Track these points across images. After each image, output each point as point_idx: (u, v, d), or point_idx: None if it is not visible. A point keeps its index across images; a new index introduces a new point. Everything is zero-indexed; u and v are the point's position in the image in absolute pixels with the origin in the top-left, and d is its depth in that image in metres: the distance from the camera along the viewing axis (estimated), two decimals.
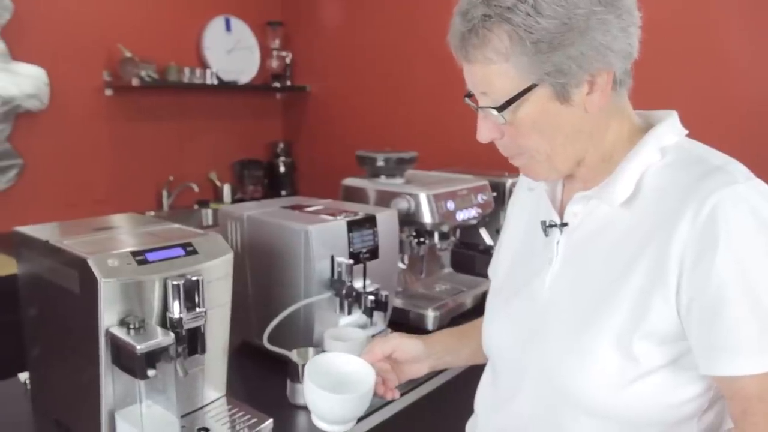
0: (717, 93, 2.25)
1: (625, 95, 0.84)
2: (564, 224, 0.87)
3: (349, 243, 1.38)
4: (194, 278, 1.02)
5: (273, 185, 3.89)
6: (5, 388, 1.30)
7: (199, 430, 1.08)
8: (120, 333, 0.94)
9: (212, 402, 1.17)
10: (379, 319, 1.46)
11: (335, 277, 1.34)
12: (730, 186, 0.71)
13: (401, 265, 1.82)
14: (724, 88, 2.24)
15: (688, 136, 0.84)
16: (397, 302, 1.78)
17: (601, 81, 0.76)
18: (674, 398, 0.77)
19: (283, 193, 3.86)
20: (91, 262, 0.96)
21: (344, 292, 1.31)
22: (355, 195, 1.81)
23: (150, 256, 1.02)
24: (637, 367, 0.76)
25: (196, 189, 3.32)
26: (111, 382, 0.98)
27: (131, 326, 0.95)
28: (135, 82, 2.93)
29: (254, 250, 1.43)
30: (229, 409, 1.16)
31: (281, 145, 3.91)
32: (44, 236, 1.09)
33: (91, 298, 0.96)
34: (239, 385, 1.31)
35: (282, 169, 3.91)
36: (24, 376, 1.30)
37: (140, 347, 0.91)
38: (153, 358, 0.91)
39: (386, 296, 1.38)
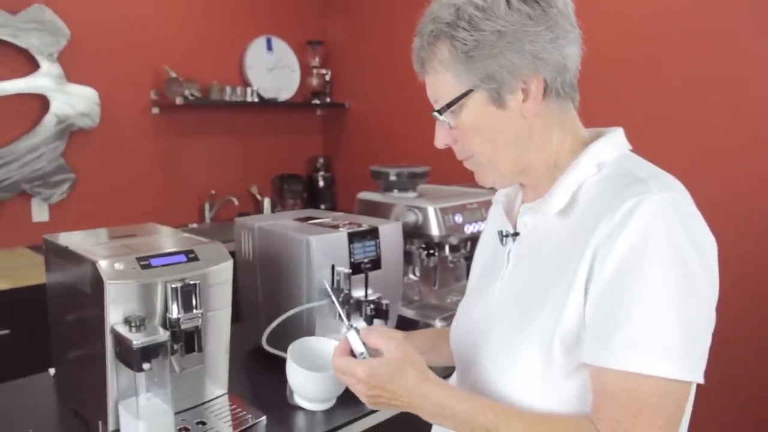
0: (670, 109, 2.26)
1: (571, 109, 0.89)
2: (515, 234, 0.94)
3: (350, 253, 1.45)
4: (192, 282, 1.12)
5: (312, 199, 4.01)
6: (37, 380, 1.43)
7: (196, 423, 1.17)
8: (122, 330, 1.05)
9: (214, 399, 1.26)
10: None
11: (334, 285, 1.41)
12: (643, 195, 0.75)
13: (412, 277, 1.89)
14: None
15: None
16: (409, 312, 1.85)
17: (534, 88, 0.82)
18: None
19: (322, 206, 3.97)
20: (99, 266, 1.06)
21: (341, 299, 1.39)
22: (369, 208, 1.89)
23: (154, 262, 1.12)
24: (559, 368, 0.80)
25: (236, 202, 3.47)
26: (116, 375, 1.09)
27: (133, 324, 1.05)
28: (179, 100, 3.11)
29: (264, 259, 1.53)
30: (229, 406, 1.25)
31: (321, 160, 4.04)
32: (65, 243, 1.21)
33: (100, 298, 1.07)
34: (246, 386, 1.40)
35: (321, 183, 4.03)
36: (53, 371, 1.43)
37: (136, 342, 1.00)
38: (148, 352, 1.01)
39: (387, 305, 1.44)
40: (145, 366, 1.01)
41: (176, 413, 1.19)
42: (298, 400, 1.00)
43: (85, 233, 1.32)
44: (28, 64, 2.82)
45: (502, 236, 0.95)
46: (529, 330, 0.84)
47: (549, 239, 0.87)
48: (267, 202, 3.73)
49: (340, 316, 1.02)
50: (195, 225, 3.42)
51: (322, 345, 1.06)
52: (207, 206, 3.48)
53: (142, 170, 3.24)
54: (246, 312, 1.65)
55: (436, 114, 0.88)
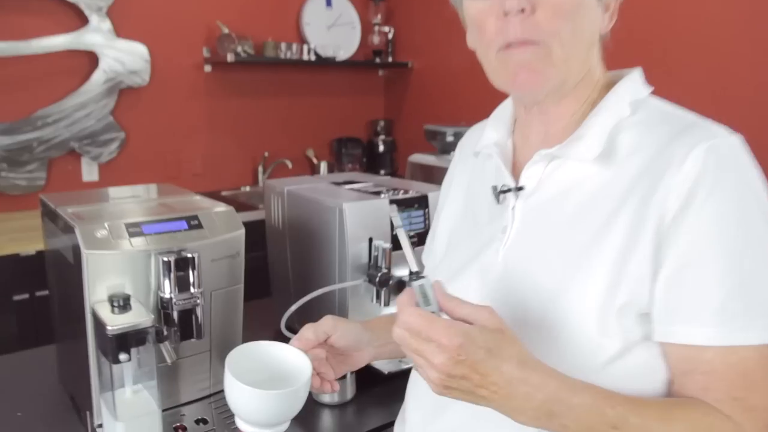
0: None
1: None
2: (519, 188, 0.75)
3: (393, 225, 1.23)
4: (189, 255, 0.92)
5: (372, 164, 3.80)
6: (44, 353, 1.29)
7: (196, 421, 0.99)
8: (102, 311, 0.86)
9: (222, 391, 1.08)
10: None
11: (372, 262, 1.19)
12: (710, 140, 0.64)
13: None
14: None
15: None
16: None
17: (613, 6, 0.73)
18: (655, 378, 0.66)
19: (382, 172, 3.76)
20: (77, 232, 0.88)
21: (378, 279, 1.17)
22: (421, 172, 1.65)
23: (146, 229, 0.93)
24: (616, 345, 0.65)
25: (289, 165, 3.31)
26: (98, 362, 0.91)
27: (115, 304, 0.87)
28: (230, 57, 2.94)
29: (293, 228, 1.33)
30: None
31: (381, 123, 3.81)
32: (55, 204, 1.04)
33: (80, 271, 0.89)
34: None
35: (381, 147, 3.80)
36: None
37: (110, 328, 0.82)
38: (125, 341, 0.82)
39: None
40: (122, 357, 0.82)
41: (177, 406, 1.02)
42: (240, 424, 0.73)
43: (84, 193, 1.16)
44: (77, 18, 2.70)
45: (499, 192, 0.76)
46: (570, 302, 0.66)
47: (577, 191, 0.71)
48: (323, 166, 3.54)
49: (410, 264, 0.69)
50: (248, 188, 3.29)
51: (270, 351, 0.77)
52: (260, 169, 3.32)
53: (193, 130, 3.11)
54: (275, 287, 1.46)
55: None
